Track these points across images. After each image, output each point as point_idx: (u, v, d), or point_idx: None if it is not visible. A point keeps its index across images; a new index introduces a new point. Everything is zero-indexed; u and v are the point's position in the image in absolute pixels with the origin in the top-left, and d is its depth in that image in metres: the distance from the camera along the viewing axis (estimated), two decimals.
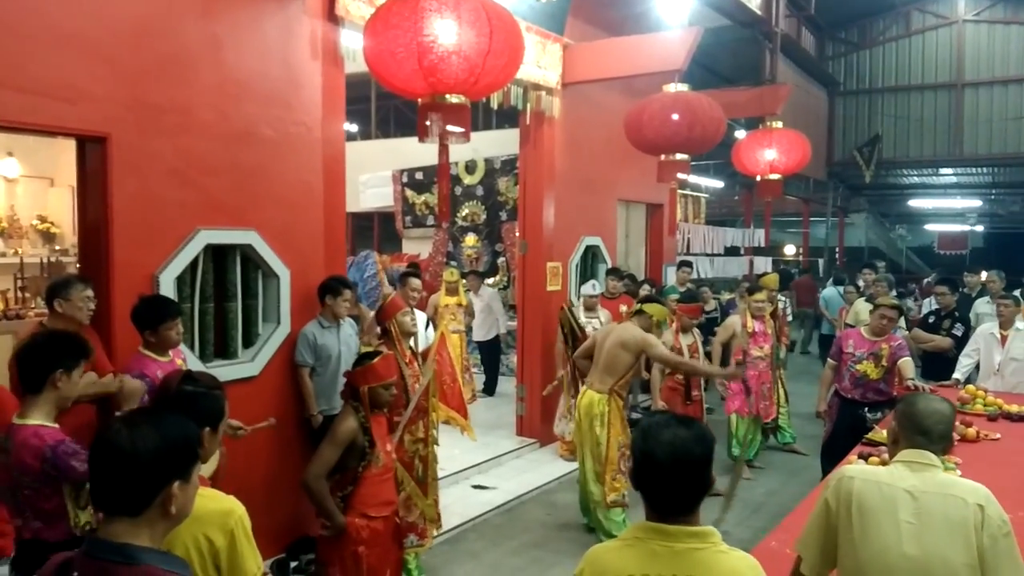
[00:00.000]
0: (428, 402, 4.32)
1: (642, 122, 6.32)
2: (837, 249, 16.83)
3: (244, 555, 2.00)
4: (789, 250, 19.28)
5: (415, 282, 5.28)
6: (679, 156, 6.44)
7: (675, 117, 6.22)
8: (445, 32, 3.68)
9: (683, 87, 6.38)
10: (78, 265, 7.46)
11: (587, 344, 5.51)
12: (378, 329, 4.72)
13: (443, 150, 4.22)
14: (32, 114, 3.45)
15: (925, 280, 14.18)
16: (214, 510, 1.97)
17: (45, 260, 9.24)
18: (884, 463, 3.83)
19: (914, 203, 18.68)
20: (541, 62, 6.61)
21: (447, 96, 3.93)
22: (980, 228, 21.01)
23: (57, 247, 9.62)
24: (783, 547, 2.81)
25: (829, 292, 11.27)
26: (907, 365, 5.17)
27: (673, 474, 1.69)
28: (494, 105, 6.26)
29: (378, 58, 3.89)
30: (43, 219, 9.91)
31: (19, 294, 8.80)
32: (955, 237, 21.18)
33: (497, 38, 3.78)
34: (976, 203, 18.24)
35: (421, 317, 5.42)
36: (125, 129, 3.80)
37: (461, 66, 3.75)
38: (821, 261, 15.53)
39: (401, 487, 4.09)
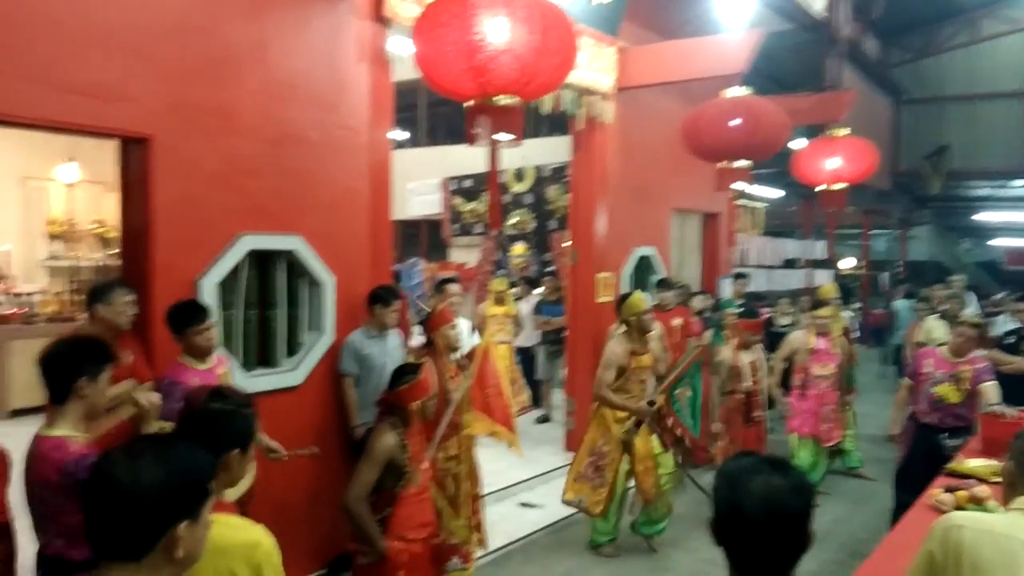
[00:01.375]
0: (461, 419, 4.13)
1: (700, 128, 6.06)
2: (900, 263, 16.19)
3: None
4: (847, 263, 18.61)
5: (454, 287, 5.15)
6: (739, 163, 6.16)
7: (735, 122, 5.94)
8: (496, 30, 3.50)
9: (744, 91, 6.10)
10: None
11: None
12: (423, 338, 4.57)
13: (493, 155, 4.03)
14: (73, 113, 3.37)
15: (996, 296, 13.48)
16: (240, 542, 1.79)
17: (101, 264, 9.37)
18: (974, 498, 3.52)
19: (981, 216, 17.88)
20: (594, 65, 6.39)
21: (498, 97, 3.75)
22: None
23: (112, 251, 9.74)
24: None
25: (901, 304, 11.19)
26: (991, 389, 4.78)
27: (766, 531, 1.44)
28: (545, 110, 6.05)
29: (427, 58, 3.73)
30: (100, 223, 10.06)
31: (73, 297, 8.91)
32: (1023, 252, 20.28)
33: (550, 36, 3.58)
34: None
35: (465, 324, 5.25)
36: (168, 130, 3.70)
37: (512, 66, 3.56)
38: (885, 275, 14.93)
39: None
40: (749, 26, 7.17)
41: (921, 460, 4.96)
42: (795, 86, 9.11)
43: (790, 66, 9.34)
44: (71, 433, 2.44)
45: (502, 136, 3.89)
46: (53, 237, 9.60)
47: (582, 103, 6.44)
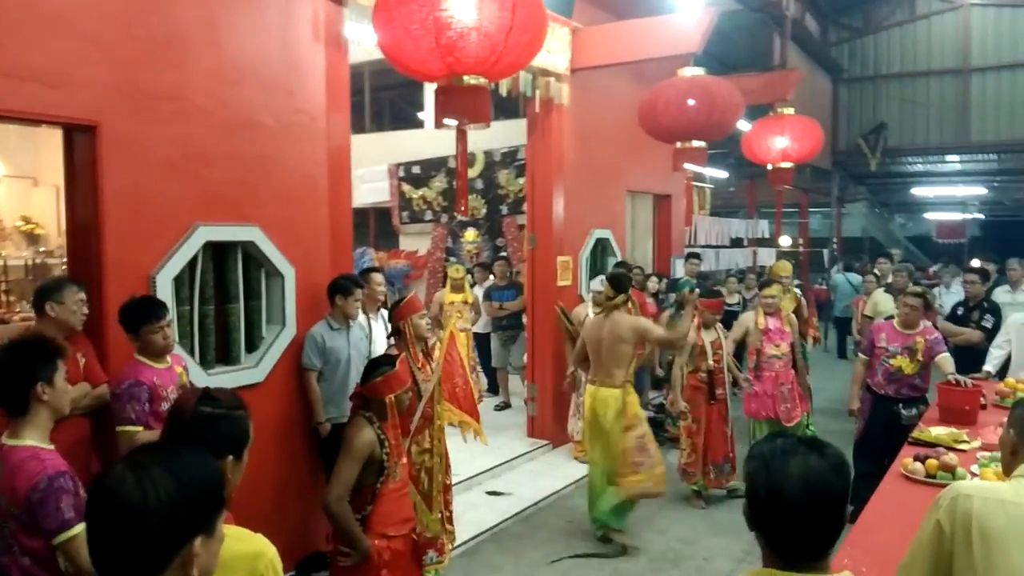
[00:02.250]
0: (434, 410, 4.03)
1: (657, 109, 6.03)
2: (835, 240, 16.63)
3: None
4: (785, 241, 19.04)
5: (378, 277, 4.99)
6: (695, 143, 6.16)
7: (691, 103, 5.94)
8: (464, 7, 3.39)
9: (699, 71, 6.09)
10: (65, 267, 7.11)
11: (579, 348, 5.25)
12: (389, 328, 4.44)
13: (461, 137, 3.92)
14: (13, 99, 3.12)
15: (931, 269, 14.00)
16: (242, 553, 1.66)
17: (30, 262, 8.89)
18: (945, 466, 3.60)
19: (917, 191, 18.48)
20: (550, 46, 6.30)
21: (466, 78, 3.63)
22: (980, 216, 20.89)
23: (42, 248, 9.26)
24: (858, 565, 2.54)
25: (838, 278, 11.77)
26: (946, 360, 4.93)
27: (808, 514, 1.40)
28: (503, 92, 5.95)
29: (391, 38, 3.58)
30: (27, 220, 9.54)
31: (3, 297, 8.44)
32: (953, 226, 21.05)
33: (520, 12, 3.48)
34: (980, 191, 18.06)
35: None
36: (116, 117, 3.48)
37: (482, 44, 3.46)
38: (825, 252, 15.31)
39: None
40: (704, 6, 7.18)
41: (879, 431, 5.09)
42: (740, 66, 9.19)
43: (736, 47, 9.41)
44: (41, 444, 2.25)
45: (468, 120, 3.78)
46: None
47: (538, 85, 6.36)
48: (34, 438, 2.25)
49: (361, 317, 4.69)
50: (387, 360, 3.42)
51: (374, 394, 3.28)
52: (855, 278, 12.08)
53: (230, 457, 1.76)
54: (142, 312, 3.28)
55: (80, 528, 2.19)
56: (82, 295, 3.28)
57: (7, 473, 2.17)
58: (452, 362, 4.55)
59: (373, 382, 3.28)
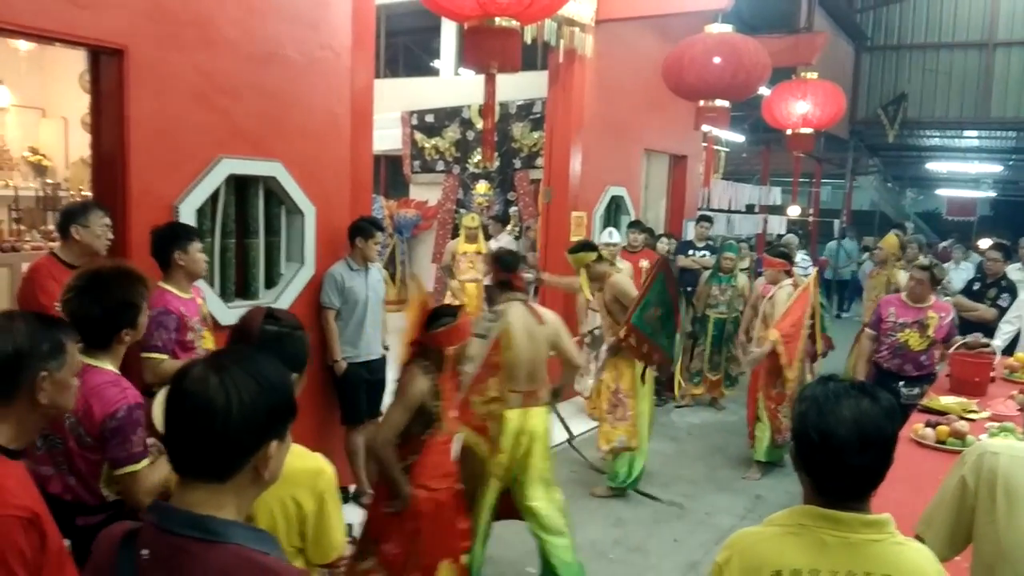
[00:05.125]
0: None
1: (682, 65, 5.96)
2: (844, 212, 16.54)
3: (332, 523, 1.75)
4: (794, 211, 18.97)
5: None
6: (719, 103, 6.10)
7: (717, 61, 5.86)
8: None
9: (727, 28, 6.00)
10: (84, 194, 7.07)
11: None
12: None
13: (489, 81, 3.87)
14: (41, 17, 3.07)
15: (941, 245, 13.96)
16: (303, 469, 1.70)
17: (40, 193, 8.87)
18: (956, 432, 3.63)
19: (931, 166, 18.30)
20: None
21: (498, 20, 3.58)
22: (991, 195, 20.72)
23: (49, 180, 9.22)
24: None
25: (831, 245, 13.73)
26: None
27: (858, 456, 1.41)
28: (527, 40, 5.85)
29: None
30: (34, 151, 9.50)
31: (14, 227, 8.43)
32: (964, 203, 20.87)
33: None
34: (995, 168, 17.89)
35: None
36: (143, 42, 3.43)
37: None
38: (836, 223, 15.24)
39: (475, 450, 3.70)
40: None
41: None
42: (765, 28, 9.02)
43: (762, 7, 9.23)
44: (116, 371, 2.25)
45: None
46: None
47: (562, 34, 6.26)
48: (111, 366, 2.26)
49: None
50: (450, 311, 3.22)
51: (436, 344, 3.10)
52: (848, 244, 13.52)
53: (294, 375, 1.77)
54: (177, 236, 3.26)
55: (145, 463, 2.23)
56: (107, 220, 3.28)
57: (84, 393, 2.11)
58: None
59: (436, 332, 3.09)
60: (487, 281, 8.19)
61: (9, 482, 1.57)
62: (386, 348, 4.73)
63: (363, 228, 4.40)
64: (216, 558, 1.12)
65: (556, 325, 3.83)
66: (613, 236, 6.48)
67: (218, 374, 1.17)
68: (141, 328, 2.37)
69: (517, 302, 3.71)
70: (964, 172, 18.89)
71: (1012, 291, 6.27)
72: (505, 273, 3.79)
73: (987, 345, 5.13)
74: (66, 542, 2.12)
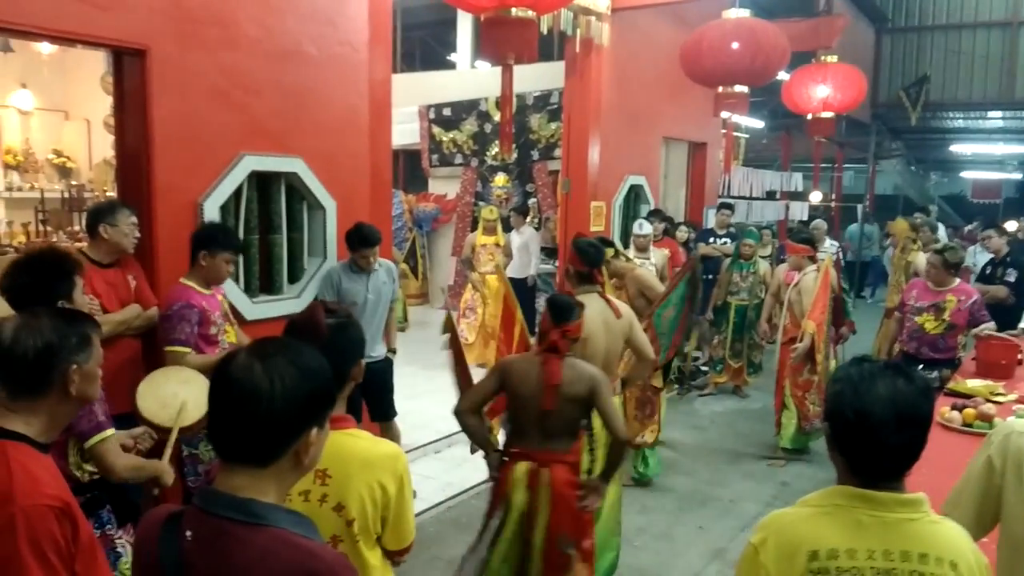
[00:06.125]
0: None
1: (700, 50, 5.92)
2: (868, 196, 16.34)
3: (409, 506, 1.77)
4: (815, 197, 18.80)
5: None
6: (738, 88, 6.05)
7: (735, 46, 5.81)
8: None
9: (744, 13, 5.95)
10: (108, 195, 7.17)
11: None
12: None
13: (507, 72, 3.88)
14: (65, 20, 3.13)
15: (966, 228, 13.79)
16: (383, 454, 1.72)
17: (65, 195, 9.02)
18: (983, 415, 3.60)
19: (955, 148, 18.01)
20: None
21: (514, 10, 3.58)
22: (1017, 176, 20.36)
23: (74, 182, 9.37)
24: None
25: (852, 228, 13.99)
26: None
27: (895, 435, 1.41)
28: (543, 30, 5.84)
29: None
30: (58, 153, 9.65)
31: (41, 228, 8.58)
32: (989, 185, 20.56)
33: None
34: (1021, 149, 17.57)
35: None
36: (164, 42, 3.48)
37: None
38: (859, 208, 15.05)
39: None
40: None
41: None
42: (783, 12, 8.93)
43: None
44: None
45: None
46: (8, 167, 9.18)
47: (578, 23, 6.24)
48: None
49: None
50: (574, 304, 3.08)
51: (575, 334, 3.00)
52: (868, 227, 13.68)
53: (361, 360, 1.82)
54: (231, 239, 3.35)
55: (112, 431, 2.30)
56: (134, 218, 3.33)
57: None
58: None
59: (574, 323, 2.98)
60: (532, 271, 8.16)
61: (42, 474, 1.62)
62: (392, 351, 4.56)
63: (349, 238, 4.15)
64: (259, 541, 1.16)
65: (631, 318, 3.74)
66: (643, 228, 6.43)
67: (262, 362, 1.20)
68: (80, 304, 2.42)
69: (594, 294, 3.63)
70: (989, 153, 18.58)
71: (1018, 265, 6.31)
72: (587, 267, 3.65)
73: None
74: None
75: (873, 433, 1.42)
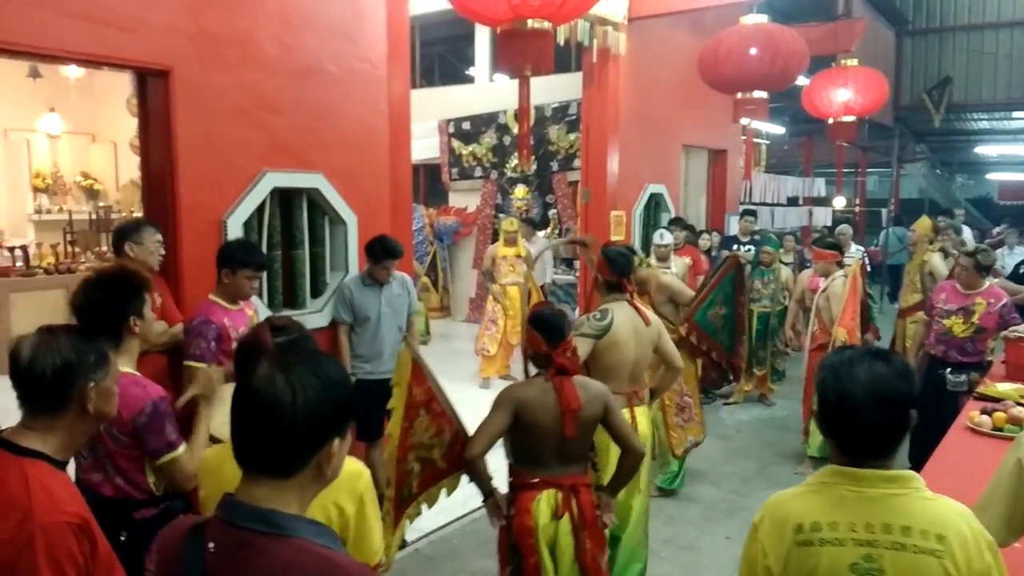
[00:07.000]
0: None
1: (718, 57, 5.90)
2: (893, 201, 16.15)
3: (371, 526, 1.75)
4: (839, 202, 18.62)
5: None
6: (757, 94, 6.02)
7: (754, 51, 5.79)
8: None
9: (762, 18, 5.93)
10: (135, 215, 7.29)
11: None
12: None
13: (524, 84, 3.89)
14: (89, 43, 3.20)
15: (994, 231, 13.57)
16: (344, 471, 1.72)
17: (92, 216, 9.18)
18: (1013, 419, 3.54)
19: (980, 150, 17.76)
20: None
21: (530, 22, 3.60)
22: None
23: (101, 203, 9.54)
24: None
25: (884, 232, 13.52)
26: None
27: (874, 415, 1.52)
28: (560, 41, 5.87)
29: None
30: (86, 175, 9.85)
31: (70, 248, 8.74)
32: (1016, 187, 20.23)
33: None
34: None
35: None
36: (187, 62, 3.54)
37: None
38: (883, 212, 14.89)
39: None
40: None
41: (926, 393, 4.90)
42: (802, 17, 8.89)
43: None
44: (134, 372, 2.35)
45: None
46: (37, 190, 9.39)
47: (595, 34, 6.26)
48: (127, 366, 2.34)
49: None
50: (559, 313, 2.94)
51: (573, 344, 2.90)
52: (900, 231, 13.07)
53: None
54: (251, 257, 3.39)
55: (183, 449, 2.34)
56: (159, 236, 3.39)
57: None
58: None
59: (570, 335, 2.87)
60: (547, 279, 8.12)
61: (60, 491, 1.64)
62: None
63: (369, 250, 4.20)
64: (281, 551, 1.16)
65: (659, 326, 3.70)
66: (664, 238, 6.40)
67: (284, 373, 1.20)
68: (149, 320, 2.45)
69: (623, 302, 3.58)
70: (1015, 155, 18.30)
71: None
72: (616, 276, 3.58)
73: None
74: (123, 534, 2.24)
75: (854, 414, 1.53)
